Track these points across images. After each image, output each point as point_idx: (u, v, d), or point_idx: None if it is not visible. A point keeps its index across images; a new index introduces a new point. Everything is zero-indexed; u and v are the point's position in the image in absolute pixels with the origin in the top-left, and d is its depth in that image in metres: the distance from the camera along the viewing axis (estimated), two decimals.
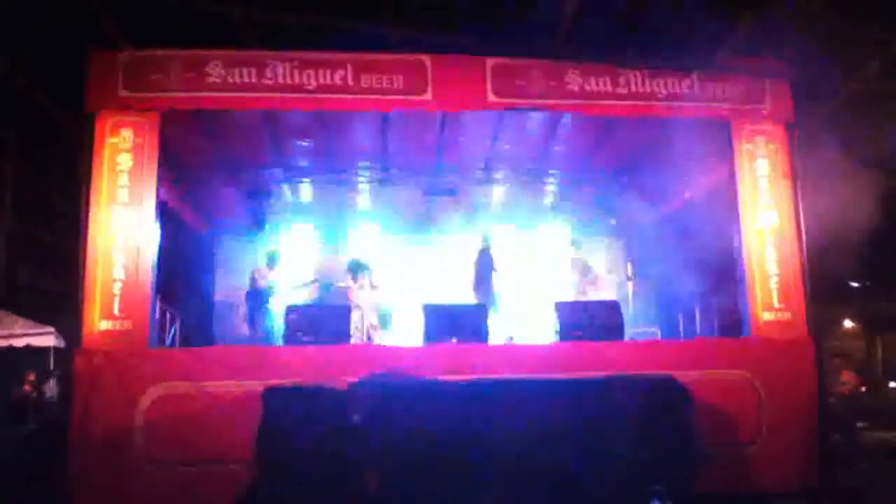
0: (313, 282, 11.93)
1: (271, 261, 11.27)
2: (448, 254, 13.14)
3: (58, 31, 7.50)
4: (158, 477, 6.64)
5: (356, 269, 10.87)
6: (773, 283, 7.99)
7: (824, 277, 8.38)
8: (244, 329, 10.90)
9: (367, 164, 11.09)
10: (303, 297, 11.53)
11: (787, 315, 7.91)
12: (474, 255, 11.34)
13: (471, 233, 12.22)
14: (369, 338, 10.40)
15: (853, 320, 23.79)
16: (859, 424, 10.78)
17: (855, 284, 20.45)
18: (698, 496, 6.23)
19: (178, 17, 7.43)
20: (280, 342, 8.00)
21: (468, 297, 10.87)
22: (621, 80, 8.12)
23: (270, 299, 10.91)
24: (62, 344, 12.23)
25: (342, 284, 11.08)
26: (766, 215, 8.14)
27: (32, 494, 6.68)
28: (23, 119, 8.55)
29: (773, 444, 7.27)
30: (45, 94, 8.20)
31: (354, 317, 9.10)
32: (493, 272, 11.11)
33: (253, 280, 11.04)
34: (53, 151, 8.66)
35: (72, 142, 7.60)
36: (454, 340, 7.64)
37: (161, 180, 7.73)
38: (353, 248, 11.46)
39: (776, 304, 7.94)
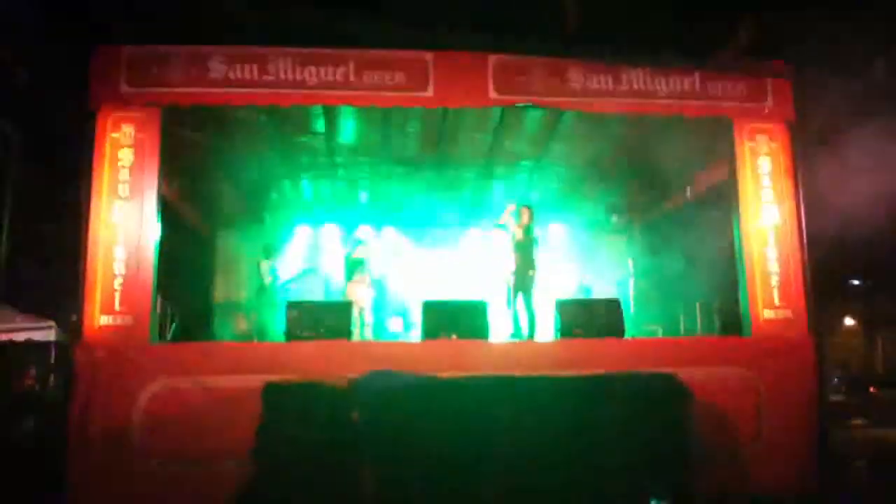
0: (308, 272, 12.01)
1: (268, 252, 11.35)
2: (450, 249, 13.14)
3: (61, 25, 7.49)
4: (157, 471, 6.66)
5: (353, 265, 10.85)
6: (774, 282, 8.00)
7: (825, 275, 8.37)
8: (243, 325, 10.92)
9: (369, 159, 11.06)
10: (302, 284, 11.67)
11: (787, 313, 7.92)
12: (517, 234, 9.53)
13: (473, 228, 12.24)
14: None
15: (853, 318, 23.79)
16: (858, 422, 10.80)
17: (856, 282, 20.44)
18: (698, 495, 6.23)
19: (180, 13, 7.41)
20: (281, 337, 8.00)
21: (469, 293, 10.84)
22: (623, 77, 8.12)
23: (275, 292, 10.95)
24: (63, 338, 12.20)
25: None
26: (768, 213, 8.14)
27: (32, 489, 6.68)
28: (25, 113, 8.53)
29: (773, 442, 7.29)
30: (48, 87, 8.20)
31: (353, 312, 9.09)
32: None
33: (258, 274, 11.14)
34: (55, 145, 8.65)
35: (74, 136, 7.59)
36: (454, 337, 7.65)
37: (162, 176, 7.72)
38: (351, 244, 11.45)
39: (777, 303, 7.95)
